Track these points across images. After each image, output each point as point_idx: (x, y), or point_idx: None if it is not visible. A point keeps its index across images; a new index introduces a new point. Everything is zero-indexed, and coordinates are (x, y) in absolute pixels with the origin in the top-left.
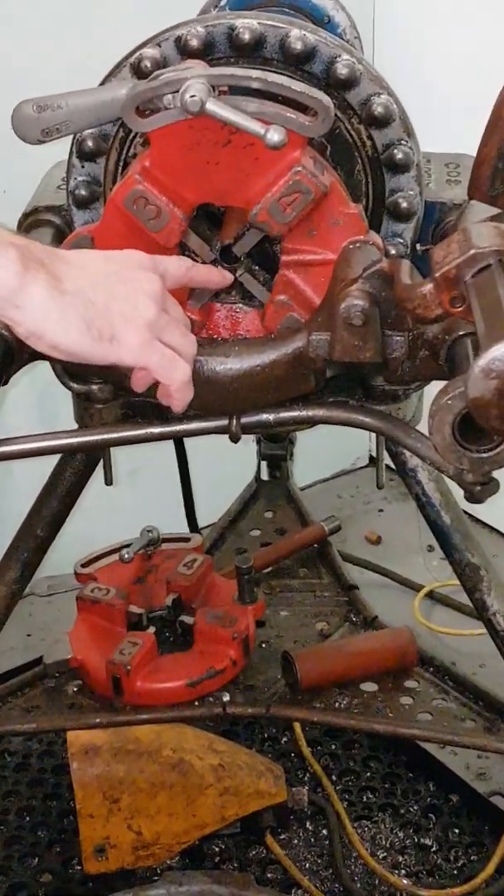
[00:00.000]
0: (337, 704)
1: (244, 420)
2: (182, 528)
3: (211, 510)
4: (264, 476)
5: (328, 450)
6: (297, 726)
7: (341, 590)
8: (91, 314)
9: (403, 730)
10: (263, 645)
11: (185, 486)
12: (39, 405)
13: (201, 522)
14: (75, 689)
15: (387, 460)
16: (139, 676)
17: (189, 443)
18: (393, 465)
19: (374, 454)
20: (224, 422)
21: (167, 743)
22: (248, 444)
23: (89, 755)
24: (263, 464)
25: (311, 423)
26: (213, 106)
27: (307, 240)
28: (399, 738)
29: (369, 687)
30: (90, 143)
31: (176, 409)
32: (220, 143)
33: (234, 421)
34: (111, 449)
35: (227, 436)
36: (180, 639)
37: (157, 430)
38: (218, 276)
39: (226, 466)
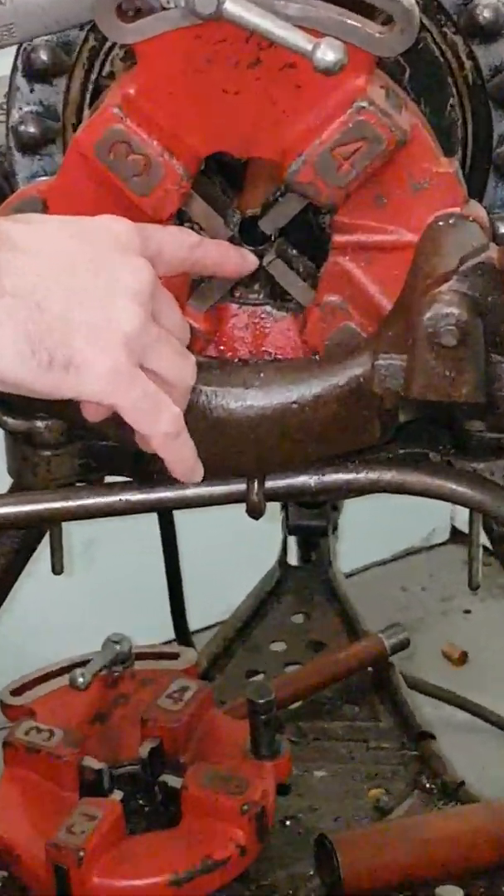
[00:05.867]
0: None
1: (270, 484)
2: (166, 635)
3: (210, 609)
4: (292, 559)
5: (389, 517)
6: None
7: (408, 738)
8: (39, 328)
9: None
10: (288, 823)
11: (171, 573)
12: None
13: (196, 626)
14: None
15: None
16: (97, 868)
17: None
18: (490, 546)
19: (458, 525)
20: (240, 486)
21: None
22: (271, 510)
23: None
24: (292, 540)
25: (372, 491)
26: (234, 6)
27: (374, 212)
28: None
29: (450, 893)
30: (44, 57)
31: (175, 474)
32: (245, 64)
33: (255, 485)
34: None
35: (243, 507)
36: (161, 810)
37: (135, 496)
38: (237, 259)
39: (235, 542)
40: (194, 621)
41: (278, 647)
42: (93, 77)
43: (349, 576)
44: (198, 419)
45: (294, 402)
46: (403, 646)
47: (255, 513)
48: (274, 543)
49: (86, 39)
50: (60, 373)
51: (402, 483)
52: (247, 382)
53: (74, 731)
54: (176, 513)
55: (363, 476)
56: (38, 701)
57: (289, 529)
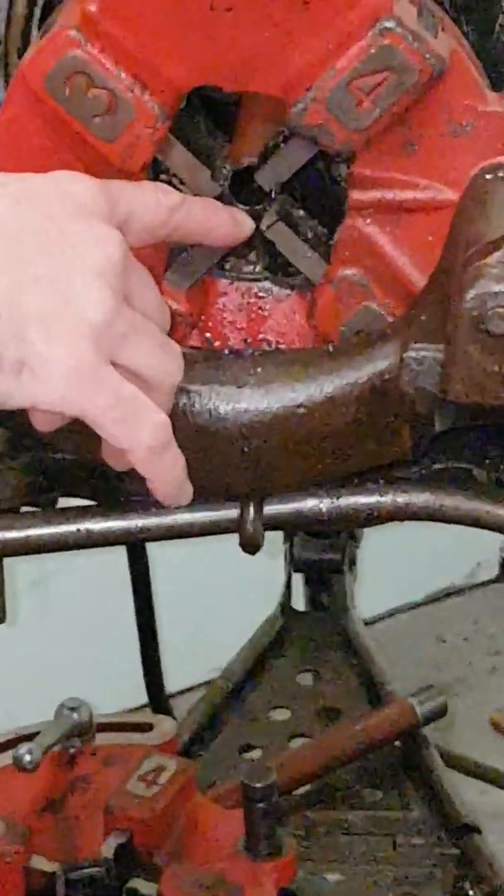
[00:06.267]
0: None
1: (270, 509)
2: (137, 700)
3: (194, 666)
4: (298, 603)
5: (422, 549)
6: None
7: (446, 832)
8: None
9: None
10: None
11: (143, 621)
12: None
13: (175, 688)
14: None
15: None
16: None
17: None
18: None
19: None
20: (231, 512)
21: None
22: (272, 539)
23: None
24: (298, 578)
25: (400, 518)
26: None
27: (402, 162)
28: None
29: None
30: None
31: (158, 496)
32: None
33: (251, 511)
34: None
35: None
36: None
37: (98, 525)
38: (227, 223)
39: (225, 581)
40: (173, 682)
41: (280, 715)
42: None
43: (371, 623)
44: (177, 426)
45: (300, 406)
46: (440, 713)
47: (251, 545)
48: (275, 582)
49: None
50: (11, 377)
51: (440, 508)
52: (240, 380)
53: (19, 824)
54: (150, 544)
55: (389, 499)
56: None
57: (294, 565)
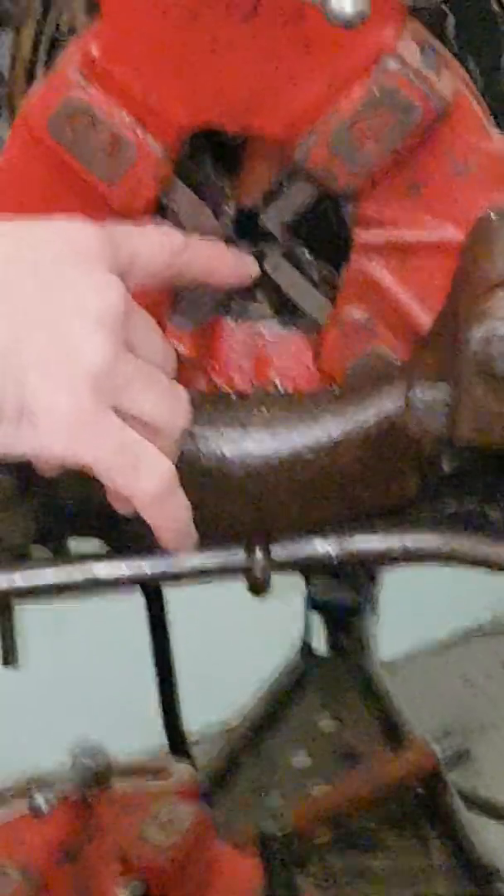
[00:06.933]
0: None
1: (278, 552)
2: (153, 744)
3: (211, 708)
4: (318, 645)
5: (444, 587)
6: None
7: (469, 878)
8: None
9: None
10: None
11: (161, 664)
12: None
13: (194, 732)
14: None
15: None
16: None
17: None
18: None
19: None
20: (238, 555)
21: None
22: (291, 582)
23: None
24: (316, 619)
25: (411, 561)
26: None
27: (407, 202)
28: None
29: None
30: None
31: (163, 542)
32: (239, 15)
33: (259, 554)
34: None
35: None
36: None
37: (103, 572)
38: (233, 264)
39: (244, 624)
40: (192, 726)
41: (300, 760)
42: (46, 32)
43: (394, 664)
44: (183, 470)
45: (307, 448)
46: (462, 758)
47: (258, 587)
48: (294, 624)
49: None
50: (12, 425)
51: (451, 551)
52: (245, 422)
53: (35, 872)
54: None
55: (398, 543)
56: None
57: (313, 606)
